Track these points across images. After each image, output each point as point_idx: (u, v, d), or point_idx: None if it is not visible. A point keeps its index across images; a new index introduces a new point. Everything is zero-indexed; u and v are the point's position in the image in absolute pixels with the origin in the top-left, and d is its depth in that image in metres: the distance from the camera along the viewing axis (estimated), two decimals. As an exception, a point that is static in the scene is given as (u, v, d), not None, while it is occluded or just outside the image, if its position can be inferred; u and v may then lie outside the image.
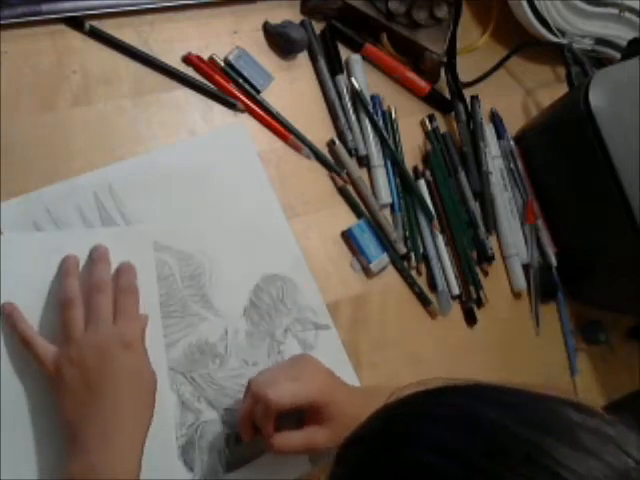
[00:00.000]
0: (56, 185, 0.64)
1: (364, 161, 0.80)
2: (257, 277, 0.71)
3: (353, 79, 0.80)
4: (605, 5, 0.93)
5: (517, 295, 0.87)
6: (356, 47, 0.82)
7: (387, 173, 0.80)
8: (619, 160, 0.76)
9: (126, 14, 0.70)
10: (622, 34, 0.93)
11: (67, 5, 0.67)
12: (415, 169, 0.83)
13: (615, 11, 0.93)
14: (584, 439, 0.34)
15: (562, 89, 0.88)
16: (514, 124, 0.91)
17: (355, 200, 0.78)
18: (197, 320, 0.67)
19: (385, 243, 0.78)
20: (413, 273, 0.80)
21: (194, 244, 0.68)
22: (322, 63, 0.79)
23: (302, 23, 0.78)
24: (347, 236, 0.77)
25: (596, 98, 0.77)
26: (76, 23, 0.68)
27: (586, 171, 0.80)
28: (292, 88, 0.78)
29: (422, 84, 0.85)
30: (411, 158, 0.83)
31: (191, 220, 0.69)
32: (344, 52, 0.81)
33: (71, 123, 0.66)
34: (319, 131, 0.78)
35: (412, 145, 0.83)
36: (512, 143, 0.89)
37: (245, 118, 0.75)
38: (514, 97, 0.93)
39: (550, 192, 0.88)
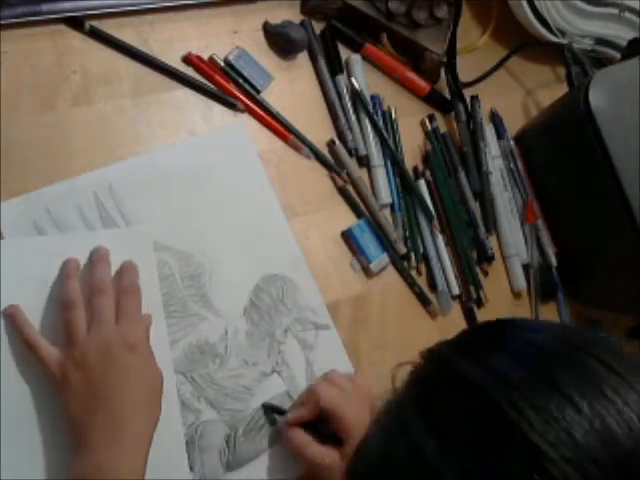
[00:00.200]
0: (56, 185, 0.64)
1: (364, 161, 0.80)
2: (257, 277, 0.71)
3: (353, 79, 0.80)
4: (605, 5, 0.93)
5: (517, 295, 0.87)
6: (356, 47, 0.82)
7: (387, 173, 0.80)
8: (619, 160, 0.76)
9: (126, 14, 0.70)
10: (622, 34, 0.93)
11: (67, 5, 0.67)
12: (415, 169, 0.83)
13: (615, 11, 0.93)
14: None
15: (562, 89, 0.88)
16: (514, 124, 0.91)
17: (355, 200, 0.78)
18: (197, 320, 0.67)
19: (385, 243, 0.78)
20: (413, 273, 0.80)
21: (194, 244, 0.68)
22: (322, 63, 0.79)
23: (302, 23, 0.78)
24: (347, 236, 0.77)
25: (596, 98, 0.77)
26: (76, 23, 0.68)
27: (586, 171, 0.80)
28: (292, 88, 0.78)
29: (422, 84, 0.85)
30: (411, 158, 0.83)
31: (191, 220, 0.69)
32: (344, 52, 0.81)
33: (71, 123, 0.67)
34: (319, 131, 0.78)
35: (412, 145, 0.83)
36: (512, 143, 0.89)
37: (245, 118, 0.75)
38: (514, 97, 0.93)
39: (550, 192, 0.88)
